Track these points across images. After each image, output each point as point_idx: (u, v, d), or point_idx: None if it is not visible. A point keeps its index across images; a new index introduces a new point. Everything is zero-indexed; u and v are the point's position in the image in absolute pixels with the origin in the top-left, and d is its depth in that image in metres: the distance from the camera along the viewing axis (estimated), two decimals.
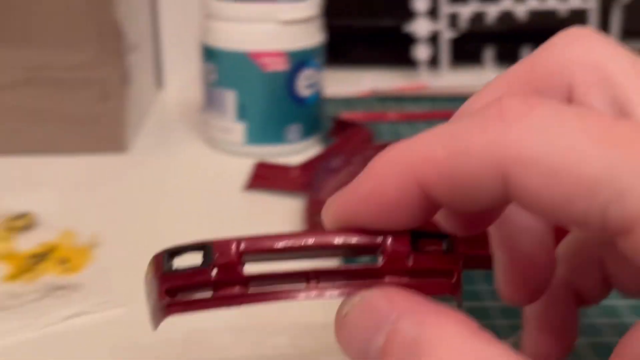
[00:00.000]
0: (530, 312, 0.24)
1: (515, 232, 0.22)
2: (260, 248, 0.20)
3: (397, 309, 0.18)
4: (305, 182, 0.41)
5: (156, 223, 0.39)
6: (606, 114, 0.18)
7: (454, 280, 0.20)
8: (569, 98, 0.21)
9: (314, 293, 0.20)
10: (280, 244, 0.20)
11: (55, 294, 0.31)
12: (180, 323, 0.27)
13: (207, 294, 0.20)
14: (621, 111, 0.19)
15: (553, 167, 0.17)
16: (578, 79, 0.20)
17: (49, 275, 0.33)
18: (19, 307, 0.30)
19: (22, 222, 0.37)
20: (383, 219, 0.19)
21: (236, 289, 0.20)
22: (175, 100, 0.60)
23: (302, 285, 0.20)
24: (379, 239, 0.20)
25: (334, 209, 0.20)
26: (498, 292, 0.23)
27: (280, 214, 0.40)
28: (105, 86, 0.46)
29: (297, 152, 0.47)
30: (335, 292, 0.20)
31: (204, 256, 0.20)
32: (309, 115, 0.47)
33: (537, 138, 0.17)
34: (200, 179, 0.46)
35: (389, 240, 0.20)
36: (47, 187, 0.41)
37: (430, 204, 0.19)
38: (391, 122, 0.53)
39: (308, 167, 0.42)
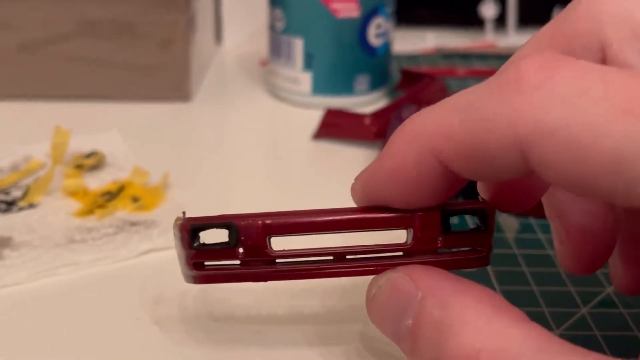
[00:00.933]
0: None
1: (566, 203, 0.21)
2: (286, 228, 0.20)
3: (422, 289, 0.18)
4: (378, 131, 0.39)
5: (223, 169, 0.38)
6: (638, 75, 0.16)
7: (483, 254, 0.20)
8: (603, 56, 0.19)
9: (340, 271, 0.21)
10: (306, 223, 0.20)
11: (131, 229, 0.30)
12: None
13: (235, 267, 0.21)
14: None
15: (574, 141, 0.15)
16: (610, 34, 0.19)
17: (122, 211, 0.32)
18: (95, 241, 0.29)
19: (92, 161, 0.36)
20: (408, 197, 0.19)
21: (263, 266, 0.20)
22: (234, 55, 0.58)
23: (329, 263, 0.21)
24: (408, 219, 0.20)
25: (359, 186, 0.20)
26: (558, 260, 0.23)
27: (351, 165, 0.38)
28: (170, 33, 0.45)
29: (364, 104, 0.45)
30: (363, 270, 0.21)
31: (230, 235, 0.20)
32: (379, 65, 0.46)
33: (556, 109, 0.15)
34: (266, 129, 0.45)
35: (418, 221, 0.20)
36: (115, 130, 0.40)
37: (454, 177, 0.18)
38: (460, 78, 0.51)
39: (380, 115, 0.40)
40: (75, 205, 0.32)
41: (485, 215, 0.20)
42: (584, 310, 0.25)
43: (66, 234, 0.30)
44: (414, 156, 0.18)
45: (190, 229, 0.20)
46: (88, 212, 0.32)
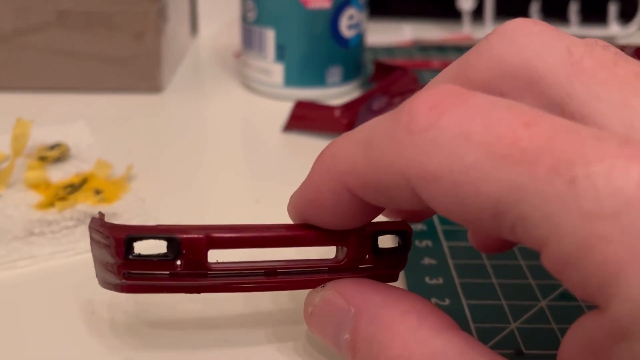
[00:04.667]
0: None
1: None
2: (228, 242, 0.20)
3: (354, 305, 0.20)
4: (348, 122, 0.39)
5: (191, 160, 0.37)
6: (524, 115, 0.15)
7: (396, 271, 0.22)
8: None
9: (271, 286, 0.21)
10: (247, 238, 0.20)
11: None
12: None
13: (165, 277, 0.20)
14: (563, 112, 0.17)
15: (456, 187, 0.16)
16: (509, 85, 0.19)
17: (84, 204, 0.31)
18: (55, 234, 0.29)
19: (56, 153, 0.35)
20: (330, 221, 0.20)
21: (197, 279, 0.20)
22: (209, 46, 0.58)
23: (262, 277, 0.21)
24: (344, 237, 0.21)
25: (292, 208, 0.21)
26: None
27: None
28: (142, 24, 0.45)
29: (337, 95, 0.45)
30: (293, 284, 0.21)
31: (170, 247, 0.20)
32: (351, 57, 0.45)
33: (439, 154, 0.16)
34: (237, 120, 0.45)
35: (353, 240, 0.21)
36: (82, 121, 0.40)
37: (369, 204, 0.19)
38: (435, 70, 0.51)
39: (350, 107, 0.40)
40: (37, 197, 0.32)
41: (407, 236, 0.22)
42: (543, 303, 0.25)
43: (26, 227, 0.30)
44: (329, 188, 0.19)
45: (126, 238, 0.19)
46: (49, 204, 0.31)
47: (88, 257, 0.28)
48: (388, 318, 0.19)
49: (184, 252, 0.20)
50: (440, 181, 0.16)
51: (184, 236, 0.20)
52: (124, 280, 0.20)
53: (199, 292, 0.21)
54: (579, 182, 0.14)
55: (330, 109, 0.40)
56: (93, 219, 0.21)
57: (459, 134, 0.16)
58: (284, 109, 0.43)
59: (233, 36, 0.58)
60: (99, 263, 0.21)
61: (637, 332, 0.14)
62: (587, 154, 0.14)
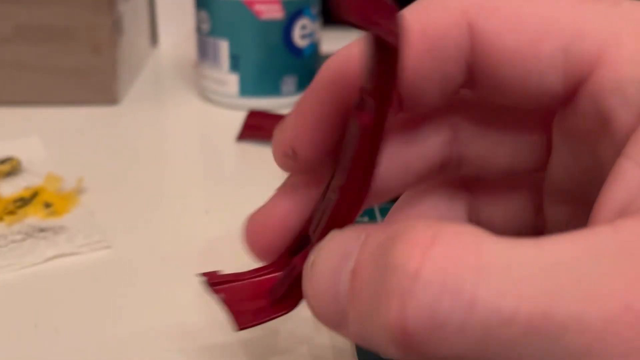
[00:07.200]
0: None
1: None
2: None
3: (367, 230, 0.16)
4: None
5: (145, 172, 0.38)
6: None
7: None
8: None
9: None
10: None
11: (39, 235, 0.30)
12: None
13: None
14: None
15: (516, 12, 0.17)
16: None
17: (33, 218, 0.32)
18: (1, 248, 0.29)
19: (7, 167, 0.35)
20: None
21: None
22: (169, 56, 0.58)
23: None
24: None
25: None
26: None
27: (273, 165, 0.38)
28: (96, 37, 0.45)
29: (292, 105, 0.45)
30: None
31: None
32: (305, 67, 0.46)
33: None
34: (192, 131, 0.45)
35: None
36: (35, 135, 0.40)
37: None
38: None
39: None
40: None
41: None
42: None
43: None
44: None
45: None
46: None
47: (33, 271, 0.28)
48: (404, 221, 0.17)
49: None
50: (501, 10, 0.17)
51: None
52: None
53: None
54: None
55: (282, 118, 0.40)
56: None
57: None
58: (240, 119, 0.43)
59: (193, 47, 0.58)
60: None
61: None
62: None
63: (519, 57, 0.17)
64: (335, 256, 0.16)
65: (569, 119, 0.17)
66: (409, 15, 0.17)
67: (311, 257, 0.17)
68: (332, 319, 0.16)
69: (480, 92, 0.18)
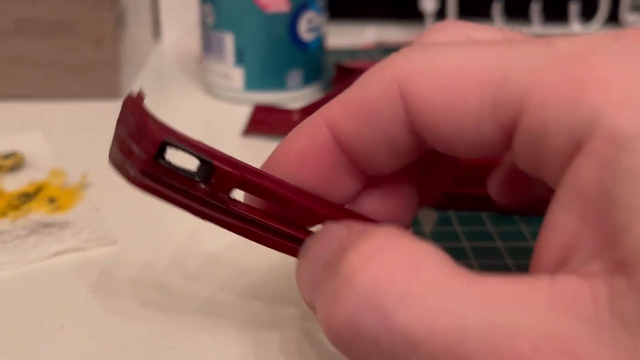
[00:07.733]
0: None
1: None
2: (259, 189, 0.20)
3: (348, 226, 0.19)
4: None
5: None
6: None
7: None
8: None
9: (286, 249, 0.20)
10: (278, 194, 0.20)
11: (43, 231, 0.30)
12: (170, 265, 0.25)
13: (179, 191, 0.19)
14: None
15: (442, 72, 0.17)
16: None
17: (37, 213, 0.31)
18: (5, 244, 0.29)
19: (10, 162, 0.35)
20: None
21: (212, 209, 0.20)
22: (172, 50, 0.58)
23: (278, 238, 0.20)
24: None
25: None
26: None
27: None
28: (98, 31, 0.44)
29: (297, 99, 0.45)
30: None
31: (200, 170, 0.19)
32: (311, 60, 0.45)
33: (425, 58, 0.18)
34: (197, 126, 0.44)
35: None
36: (39, 130, 0.40)
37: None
38: None
39: (309, 111, 0.40)
40: None
41: None
42: None
43: None
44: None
45: (161, 142, 0.18)
46: (2, 214, 0.31)
47: (39, 266, 0.28)
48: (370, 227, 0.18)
49: (212, 180, 0.19)
50: (428, 74, 0.17)
51: (220, 166, 0.19)
52: (139, 176, 0.19)
53: (203, 218, 0.20)
54: None
55: (288, 112, 0.40)
56: (131, 98, 0.19)
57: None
58: (245, 113, 0.43)
59: (196, 41, 0.58)
60: (119, 143, 0.19)
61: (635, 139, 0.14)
62: None
63: (451, 114, 0.17)
64: (318, 247, 0.19)
65: (516, 159, 0.18)
66: (351, 89, 0.19)
67: (307, 241, 0.20)
68: (310, 304, 0.18)
69: (431, 148, 0.19)
